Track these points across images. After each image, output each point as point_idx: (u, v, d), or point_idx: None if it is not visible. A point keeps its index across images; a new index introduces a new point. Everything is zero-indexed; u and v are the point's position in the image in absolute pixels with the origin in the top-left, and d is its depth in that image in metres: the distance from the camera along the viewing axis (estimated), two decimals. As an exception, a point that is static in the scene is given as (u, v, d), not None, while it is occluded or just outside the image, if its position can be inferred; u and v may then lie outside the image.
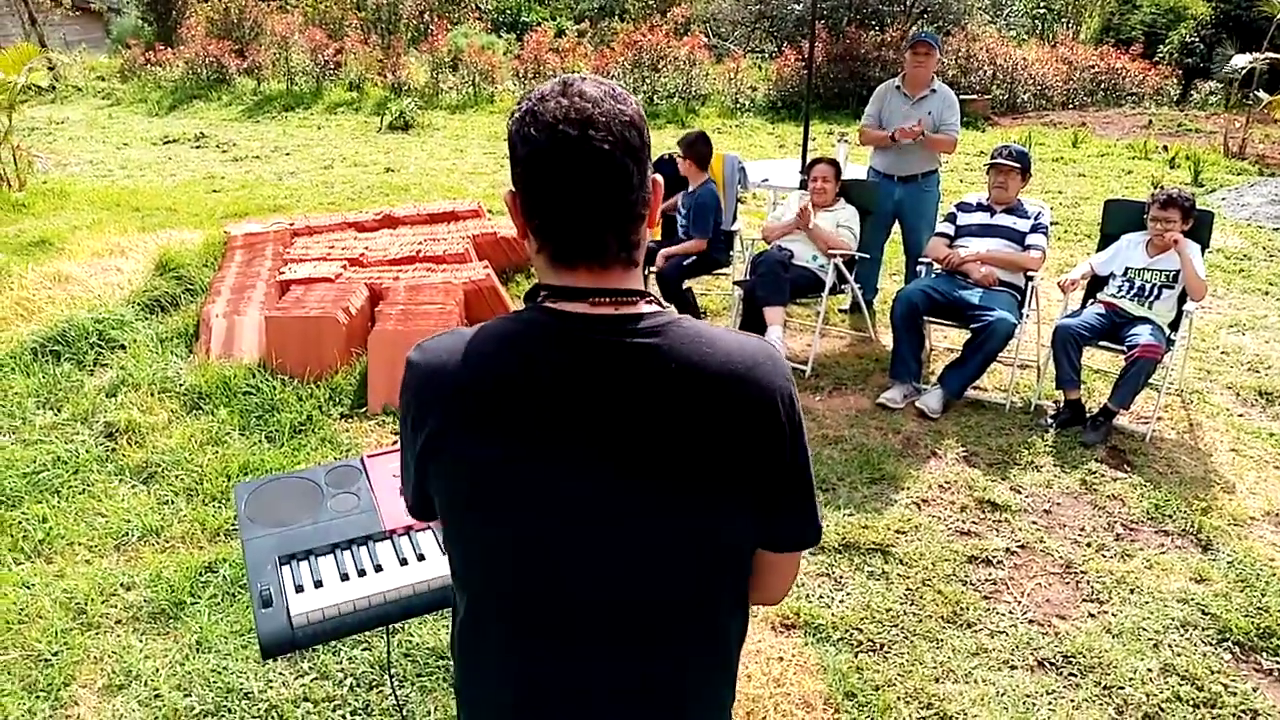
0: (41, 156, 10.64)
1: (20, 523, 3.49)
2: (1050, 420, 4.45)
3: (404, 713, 2.65)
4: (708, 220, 5.37)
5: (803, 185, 5.56)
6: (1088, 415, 4.40)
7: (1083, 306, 4.72)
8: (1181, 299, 4.42)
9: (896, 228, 5.77)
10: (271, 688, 2.72)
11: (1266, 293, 6.40)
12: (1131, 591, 3.23)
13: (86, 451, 4.01)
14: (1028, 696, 2.74)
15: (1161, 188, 4.54)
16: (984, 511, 3.73)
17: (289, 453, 4.04)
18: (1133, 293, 4.48)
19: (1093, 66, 16.86)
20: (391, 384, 4.44)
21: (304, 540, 1.91)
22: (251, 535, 1.92)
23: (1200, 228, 4.51)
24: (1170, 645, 2.96)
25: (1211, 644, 2.98)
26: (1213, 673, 2.84)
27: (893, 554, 3.42)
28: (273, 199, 8.95)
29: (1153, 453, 4.19)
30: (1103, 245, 4.85)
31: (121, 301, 5.40)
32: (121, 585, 3.16)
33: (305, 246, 6.00)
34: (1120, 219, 4.81)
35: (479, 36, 19.12)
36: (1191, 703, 2.73)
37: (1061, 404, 4.49)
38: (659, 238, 5.83)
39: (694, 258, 5.43)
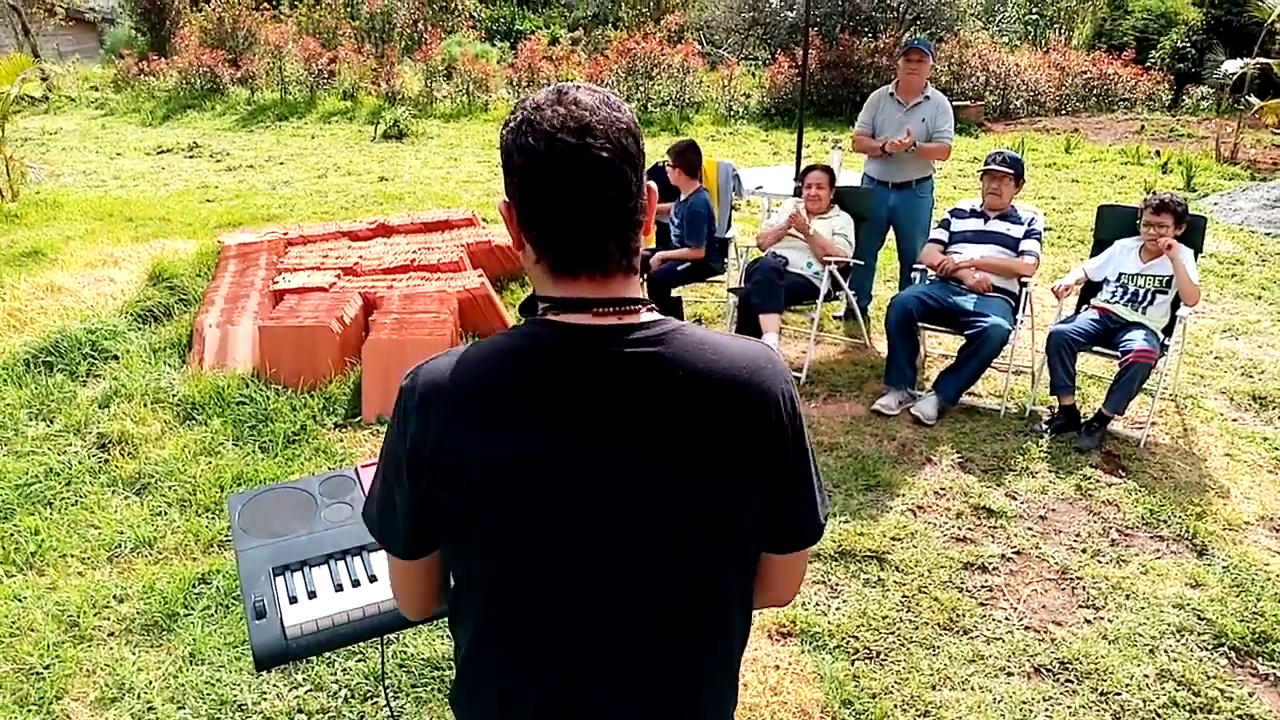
0: (34, 167, 10.62)
1: (12, 535, 3.47)
2: (1045, 426, 4.45)
3: (399, 724, 2.64)
4: (702, 228, 5.37)
5: (797, 192, 5.57)
6: (1082, 421, 4.40)
7: (1077, 312, 4.74)
8: (1175, 304, 4.43)
9: (891, 234, 5.78)
10: (265, 700, 2.71)
11: (1259, 297, 6.41)
12: (1127, 597, 3.23)
13: (79, 463, 3.99)
14: (1024, 703, 2.74)
15: (1154, 193, 4.55)
16: (979, 518, 3.73)
17: (283, 463, 4.03)
18: (1126, 298, 4.49)
19: (1085, 72, 16.93)
20: (386, 393, 4.43)
21: (298, 551, 1.90)
22: (245, 546, 1.90)
23: (1193, 233, 4.53)
24: (1166, 651, 2.96)
25: (1207, 649, 2.97)
26: (1209, 678, 2.84)
27: (889, 561, 3.42)
28: (266, 208, 8.94)
29: (1147, 458, 4.20)
30: (1096, 251, 4.86)
31: (114, 312, 5.39)
32: (114, 597, 3.14)
33: (299, 256, 5.99)
34: (1113, 224, 4.82)
35: (473, 45, 19.14)
36: (1188, 708, 2.72)
37: (1056, 410, 4.50)
38: (653, 245, 5.83)
39: (688, 265, 5.43)
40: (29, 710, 2.67)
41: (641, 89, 16.26)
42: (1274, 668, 2.91)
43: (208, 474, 3.91)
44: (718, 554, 1.14)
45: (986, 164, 4.91)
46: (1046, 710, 2.72)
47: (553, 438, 1.06)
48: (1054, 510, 3.79)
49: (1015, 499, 3.87)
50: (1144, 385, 4.28)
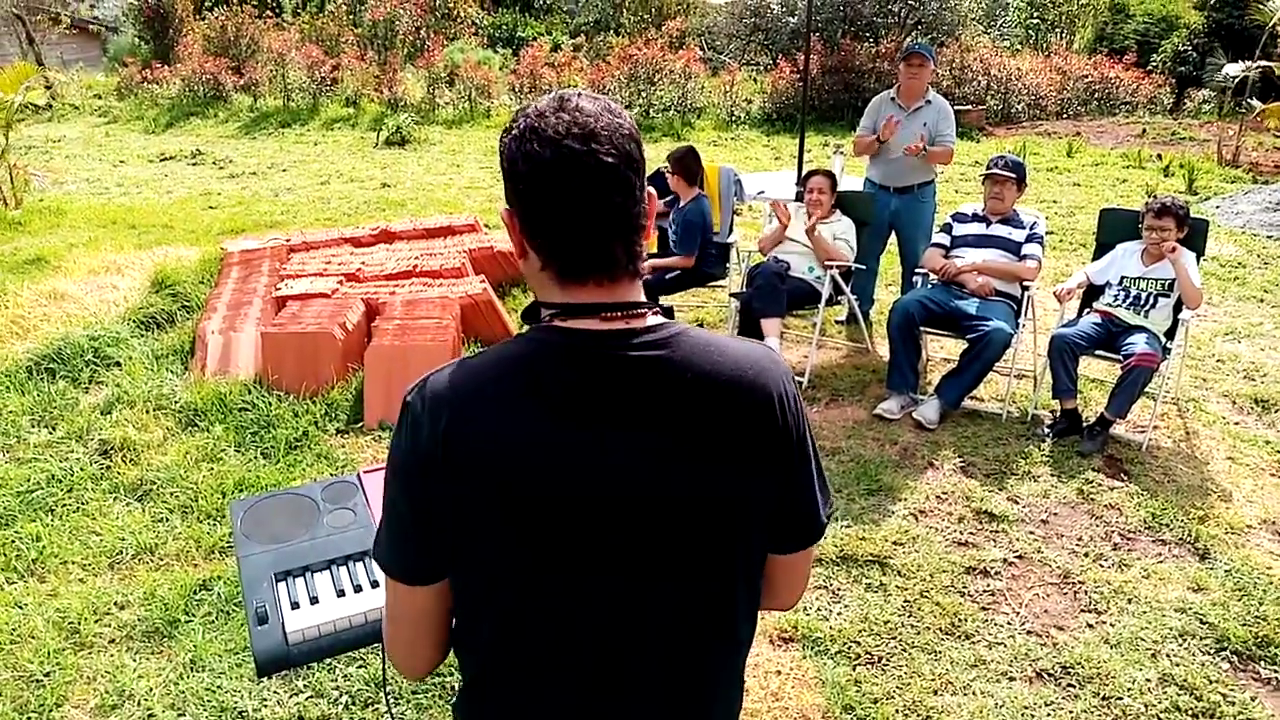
0: (38, 174, 10.66)
1: (13, 542, 3.48)
2: (1047, 430, 4.45)
3: (400, 730, 2.64)
4: (695, 238, 5.37)
5: (799, 197, 5.57)
6: (1084, 424, 4.40)
7: (1079, 316, 4.73)
8: (1177, 307, 4.42)
9: (892, 238, 5.78)
10: (266, 706, 2.71)
11: (1261, 300, 6.41)
12: (1129, 601, 3.22)
13: (81, 469, 4.00)
14: (1026, 708, 2.73)
15: (1155, 197, 4.55)
16: (981, 522, 3.72)
17: (285, 469, 4.04)
18: (1128, 301, 4.49)
19: (1086, 76, 16.94)
20: (388, 399, 4.44)
21: (300, 557, 1.90)
22: (247, 552, 1.91)
23: (1195, 236, 4.53)
24: (1168, 655, 2.95)
25: (1210, 653, 2.97)
26: (1211, 682, 2.83)
27: (890, 566, 3.41)
28: (269, 215, 8.96)
29: (1149, 461, 4.19)
30: (1098, 254, 4.86)
31: (117, 319, 5.40)
32: (115, 604, 3.14)
33: (301, 262, 6.00)
34: (1115, 228, 4.82)
35: (475, 52, 19.19)
36: (1190, 712, 2.72)
37: (1058, 413, 4.49)
38: (654, 249, 5.84)
39: (677, 273, 5.44)
40: (29, 717, 2.67)
41: (643, 95, 16.30)
42: (1276, 672, 2.90)
43: (209, 480, 3.91)
44: (728, 554, 1.15)
45: (988, 168, 4.91)
46: (1049, 715, 2.71)
47: (561, 440, 1.06)
48: (1056, 514, 3.79)
49: (1017, 503, 3.86)
50: (1146, 389, 4.28)
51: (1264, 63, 12.10)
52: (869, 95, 6.78)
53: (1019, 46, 21.23)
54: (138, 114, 16.45)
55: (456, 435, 1.06)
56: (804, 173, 5.67)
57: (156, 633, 3.00)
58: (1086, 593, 3.28)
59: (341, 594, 1.82)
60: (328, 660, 2.77)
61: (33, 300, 5.66)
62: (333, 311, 4.93)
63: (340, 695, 2.74)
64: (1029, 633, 3.07)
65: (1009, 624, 3.12)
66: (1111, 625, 3.10)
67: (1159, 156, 11.92)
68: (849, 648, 2.98)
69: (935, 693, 2.80)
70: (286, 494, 2.10)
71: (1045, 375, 4.57)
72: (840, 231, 5.28)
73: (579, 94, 1.09)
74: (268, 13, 20.64)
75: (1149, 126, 14.67)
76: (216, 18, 18.97)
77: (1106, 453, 4.26)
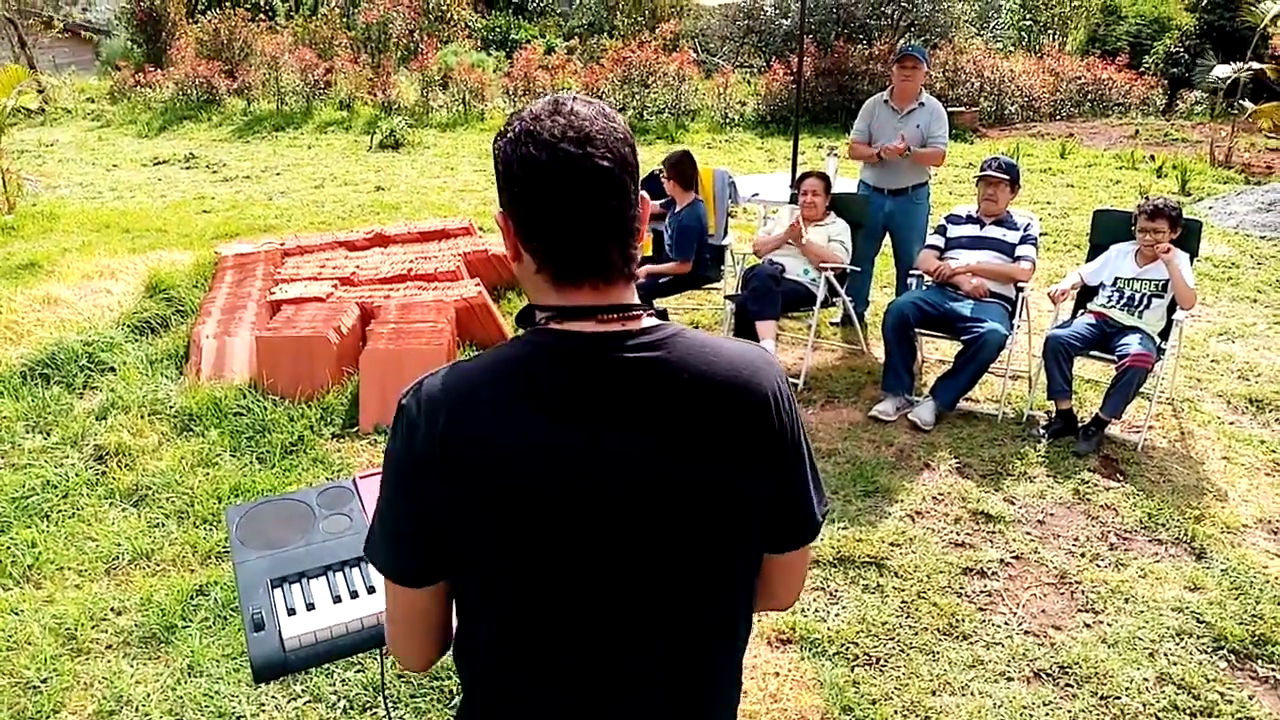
0: (31, 179, 10.63)
1: (8, 548, 3.46)
2: (1042, 430, 4.46)
3: (398, 735, 2.63)
4: (690, 244, 5.37)
5: (793, 199, 5.58)
6: (1080, 425, 4.41)
7: (1073, 317, 4.75)
8: (1171, 308, 4.44)
9: (887, 240, 5.79)
10: (264, 712, 2.70)
11: (1255, 300, 6.43)
12: (1126, 601, 3.23)
13: (76, 475, 3.98)
14: (1024, 708, 2.74)
15: (1148, 198, 4.56)
16: (978, 523, 3.73)
17: (280, 473, 4.03)
18: (1122, 302, 4.50)
19: (1079, 77, 16.99)
20: (383, 403, 4.43)
21: (296, 562, 1.90)
22: (243, 558, 1.90)
23: (1188, 236, 4.54)
24: (1166, 654, 2.96)
25: (1207, 652, 2.97)
26: (1208, 681, 2.84)
27: (887, 567, 3.42)
28: (263, 219, 8.95)
29: (1145, 462, 4.20)
30: (1092, 255, 4.87)
31: (111, 324, 5.38)
32: (112, 610, 3.13)
33: (296, 266, 5.99)
34: (1109, 229, 4.83)
35: (468, 54, 19.18)
36: (1188, 711, 2.72)
37: (1053, 414, 4.50)
38: (649, 253, 5.85)
39: (670, 277, 5.44)
40: (27, 724, 2.66)
41: (637, 97, 16.31)
42: (1274, 670, 2.90)
43: (205, 485, 3.90)
44: (725, 554, 1.15)
45: (982, 170, 4.92)
46: (1046, 715, 2.72)
47: (557, 442, 1.07)
48: (1052, 514, 3.80)
49: (1013, 504, 3.87)
50: (1141, 389, 4.29)
51: (1255, 64, 12.14)
52: (863, 97, 6.80)
53: (1012, 48, 21.28)
54: (131, 118, 16.42)
55: (452, 438, 1.07)
56: (798, 175, 5.68)
57: (153, 638, 2.99)
58: (1083, 593, 3.28)
59: (338, 600, 1.82)
60: (325, 665, 2.76)
61: (26, 305, 5.65)
62: (327, 315, 4.92)
63: (338, 700, 2.74)
64: (1026, 633, 3.08)
65: (1006, 624, 3.12)
66: (1109, 625, 3.11)
67: (1152, 157, 11.96)
68: (847, 649, 2.98)
69: (933, 693, 2.80)
70: (282, 499, 2.09)
71: (1040, 376, 4.58)
72: (835, 233, 5.29)
73: (574, 98, 1.10)
74: (261, 16, 20.62)
75: (1142, 128, 14.72)
76: (209, 21, 18.94)
77: (1102, 453, 4.27)
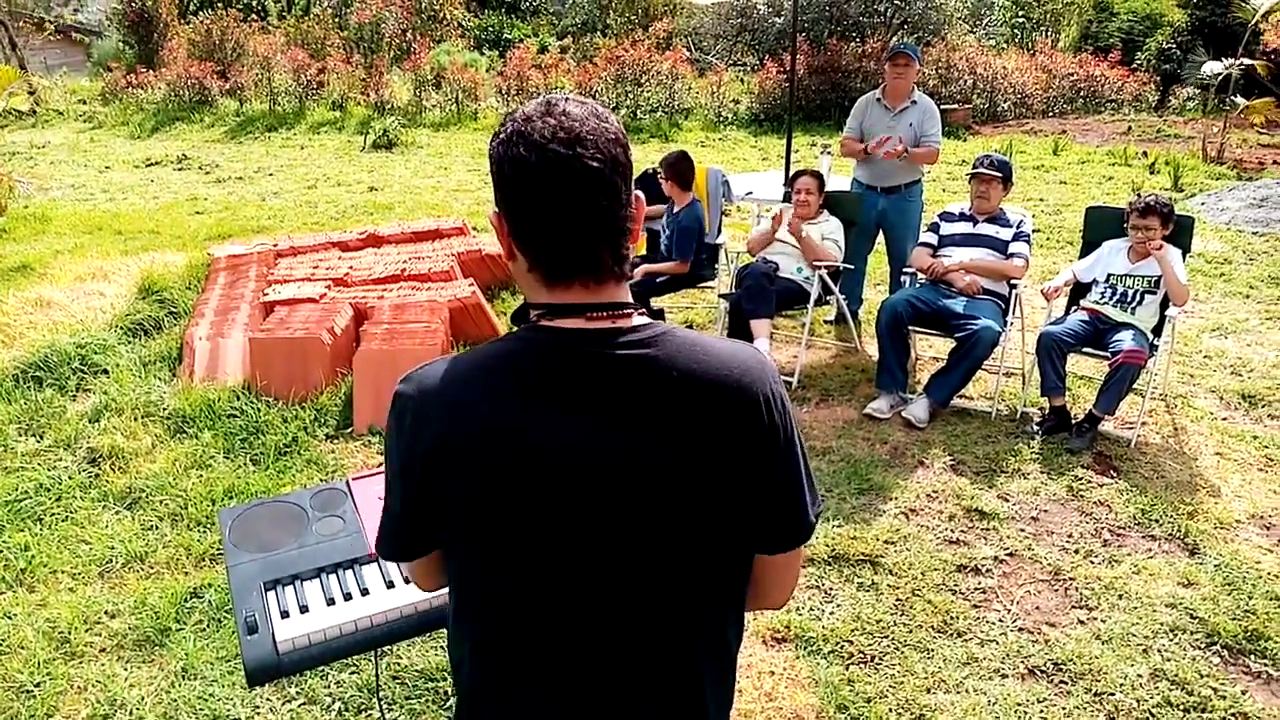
0: (22, 181, 10.59)
1: (2, 551, 3.45)
2: (1036, 427, 4.46)
3: (393, 736, 2.63)
4: (690, 244, 5.37)
5: (786, 198, 5.58)
6: (1073, 421, 4.42)
7: (1066, 313, 4.75)
8: (1164, 304, 4.45)
9: (880, 238, 5.80)
10: (259, 714, 2.70)
11: (1247, 296, 6.45)
12: (1120, 597, 3.23)
13: (69, 478, 3.97)
14: (1019, 705, 2.74)
15: (1139, 196, 4.57)
16: (972, 520, 3.74)
17: (274, 475, 4.02)
18: (1115, 299, 4.51)
19: (1072, 74, 17.01)
20: (377, 404, 4.42)
21: (289, 565, 1.90)
22: (236, 561, 1.90)
23: (1181, 233, 4.55)
24: (1160, 650, 2.97)
25: (1200, 648, 2.98)
26: (1202, 676, 2.85)
27: (882, 564, 3.42)
28: (256, 220, 8.93)
29: (1138, 458, 4.21)
30: (1084, 252, 4.88)
31: (104, 326, 5.37)
32: (105, 613, 3.13)
33: (289, 267, 5.98)
34: (1101, 225, 4.84)
35: (461, 54, 19.15)
36: (1182, 707, 2.73)
37: (1047, 411, 4.51)
38: (643, 252, 5.85)
39: (667, 276, 5.44)
40: (20, 728, 2.65)
41: (630, 96, 16.30)
42: (1266, 665, 2.91)
43: (199, 487, 3.90)
44: (715, 552, 1.15)
45: (974, 167, 4.93)
46: (1041, 711, 2.72)
47: (545, 435, 1.08)
48: (1046, 511, 3.80)
49: (1007, 501, 3.87)
50: (1134, 385, 4.30)
51: (1246, 60, 12.17)
52: (855, 95, 6.80)
53: (1004, 45, 21.31)
54: (123, 119, 16.36)
55: (443, 430, 1.10)
56: (791, 173, 5.68)
57: (147, 641, 2.99)
58: (1077, 589, 3.29)
59: (331, 602, 1.82)
60: (320, 667, 2.76)
61: (18, 308, 5.63)
62: (320, 316, 4.91)
63: (333, 701, 2.74)
64: (1021, 630, 3.08)
65: (1000, 621, 3.13)
66: (1103, 621, 3.11)
67: (1145, 154, 11.98)
68: (842, 647, 2.99)
69: (928, 691, 2.80)
70: (275, 502, 2.09)
71: (1034, 373, 4.59)
72: (828, 232, 5.29)
73: (566, 98, 1.10)
74: (253, 16, 20.58)
75: (1134, 124, 14.74)
76: (201, 22, 18.90)
77: (1095, 449, 4.28)
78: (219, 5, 20.05)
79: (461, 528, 1.13)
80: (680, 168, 5.45)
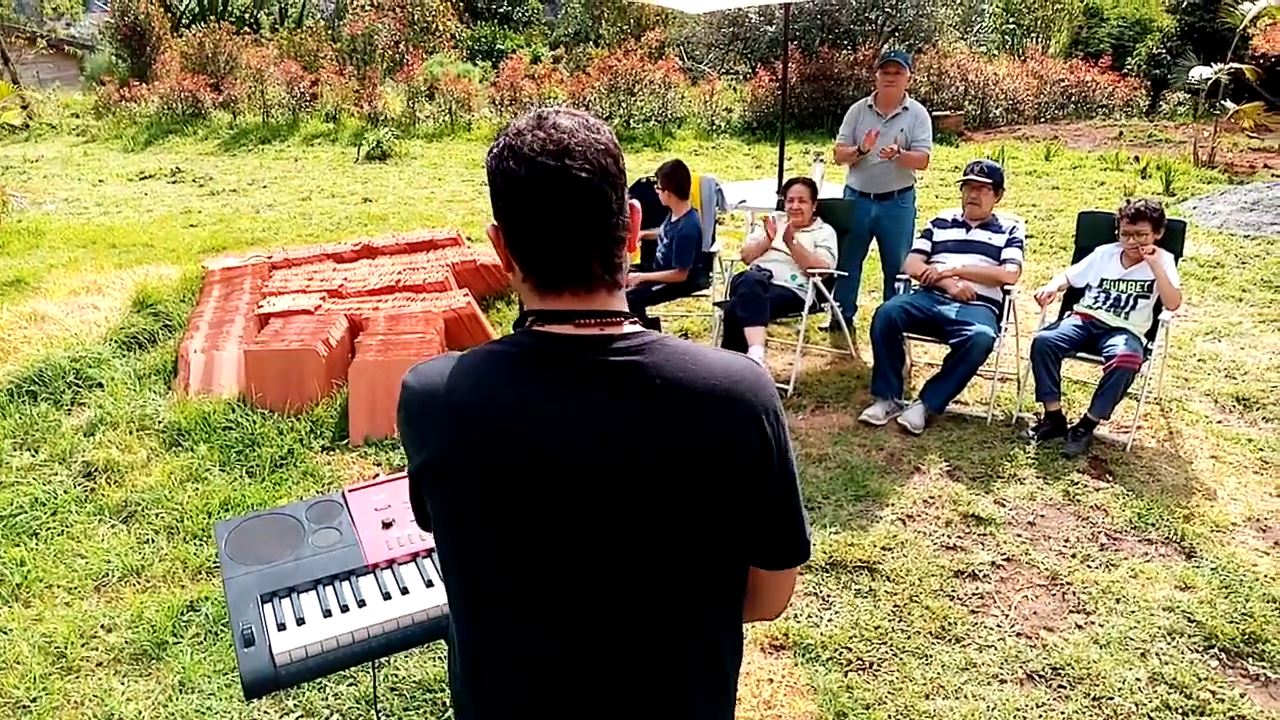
0: (16, 195, 10.58)
1: (-2, 567, 3.44)
2: (1032, 432, 4.47)
3: (392, 748, 2.62)
4: (689, 252, 5.38)
5: (780, 206, 5.60)
6: (1069, 426, 4.43)
7: (1060, 319, 4.77)
8: (1157, 308, 4.46)
9: (874, 245, 5.81)
10: (256, 727, 2.68)
11: (1240, 299, 6.47)
12: (1117, 601, 3.24)
13: (65, 492, 3.96)
14: (1018, 710, 2.74)
15: (1129, 201, 4.59)
16: (969, 525, 3.74)
17: (270, 487, 4.01)
18: (1109, 303, 4.52)
19: (1063, 80, 17.08)
20: (373, 415, 4.42)
21: (286, 577, 1.90)
22: (232, 574, 1.90)
23: (1173, 237, 4.57)
24: (1158, 654, 2.97)
25: (1198, 651, 2.99)
26: (1200, 680, 2.85)
27: (879, 571, 3.42)
28: (250, 232, 8.92)
29: (1134, 462, 4.22)
30: (1077, 257, 4.90)
31: (99, 339, 5.36)
32: (102, 627, 3.12)
33: (284, 279, 5.98)
34: (1094, 231, 4.86)
35: (454, 65, 19.16)
36: (1180, 711, 2.73)
37: (1042, 416, 4.52)
38: (638, 261, 5.86)
39: (665, 284, 5.45)
40: (17, 744, 2.64)
41: (623, 105, 16.33)
42: (1264, 668, 2.92)
43: (195, 500, 3.89)
44: (700, 563, 1.15)
45: (965, 174, 4.95)
46: (1040, 716, 2.72)
47: (546, 438, 1.09)
48: (1043, 516, 3.81)
49: (1004, 506, 3.88)
50: (1129, 389, 4.31)
51: (1235, 64, 12.23)
52: (848, 102, 6.82)
53: (995, 52, 21.40)
54: (116, 133, 16.35)
55: (437, 442, 1.13)
56: (785, 181, 5.69)
57: (144, 655, 2.98)
58: (1075, 593, 3.29)
59: (328, 614, 1.81)
60: (317, 679, 2.75)
61: (13, 322, 5.62)
62: (316, 328, 4.91)
63: (331, 714, 2.73)
64: (1018, 635, 3.09)
65: (998, 626, 3.13)
66: (1100, 625, 3.12)
67: (1136, 158, 12.02)
68: (840, 654, 2.99)
69: (927, 697, 2.80)
70: (271, 514, 2.09)
71: (1028, 378, 4.60)
72: (822, 239, 5.31)
73: (558, 111, 1.12)
74: (245, 29, 20.60)
75: (1126, 129, 14.80)
76: (194, 35, 18.89)
77: (1091, 454, 4.29)
78: (212, 18, 20.07)
79: (461, 528, 1.15)
80: (676, 177, 5.46)
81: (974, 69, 16.72)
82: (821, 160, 6.86)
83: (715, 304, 5.58)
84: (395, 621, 1.81)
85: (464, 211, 9.88)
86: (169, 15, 20.90)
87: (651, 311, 5.64)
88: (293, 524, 2.05)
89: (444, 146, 14.91)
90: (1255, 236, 8.14)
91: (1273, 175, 10.74)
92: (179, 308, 5.84)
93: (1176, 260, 4.50)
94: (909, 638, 3.06)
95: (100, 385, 4.87)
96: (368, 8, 20.48)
